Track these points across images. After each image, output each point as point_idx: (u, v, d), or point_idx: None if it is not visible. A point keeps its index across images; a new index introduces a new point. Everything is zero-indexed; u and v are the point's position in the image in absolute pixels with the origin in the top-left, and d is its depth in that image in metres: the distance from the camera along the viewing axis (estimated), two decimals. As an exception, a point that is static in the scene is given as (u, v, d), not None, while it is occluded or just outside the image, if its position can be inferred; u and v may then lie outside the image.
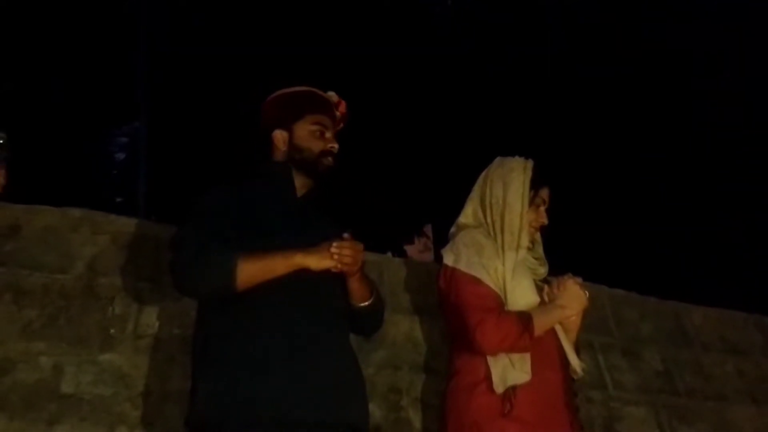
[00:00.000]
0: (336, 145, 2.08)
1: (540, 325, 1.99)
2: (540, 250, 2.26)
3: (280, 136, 2.08)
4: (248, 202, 1.95)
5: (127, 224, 2.34)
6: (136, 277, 2.24)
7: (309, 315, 1.80)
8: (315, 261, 1.81)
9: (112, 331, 2.14)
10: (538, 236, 2.25)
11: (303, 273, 1.81)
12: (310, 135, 2.07)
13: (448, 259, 2.14)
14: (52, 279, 2.15)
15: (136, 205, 7.43)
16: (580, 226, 2.21)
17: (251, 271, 1.76)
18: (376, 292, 2.02)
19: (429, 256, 4.09)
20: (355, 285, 1.94)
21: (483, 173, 2.27)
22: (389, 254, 2.84)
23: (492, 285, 2.04)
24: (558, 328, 2.08)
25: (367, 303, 1.97)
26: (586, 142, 6.19)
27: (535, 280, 2.15)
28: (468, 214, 2.25)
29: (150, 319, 2.20)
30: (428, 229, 4.57)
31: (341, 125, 2.18)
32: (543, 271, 2.21)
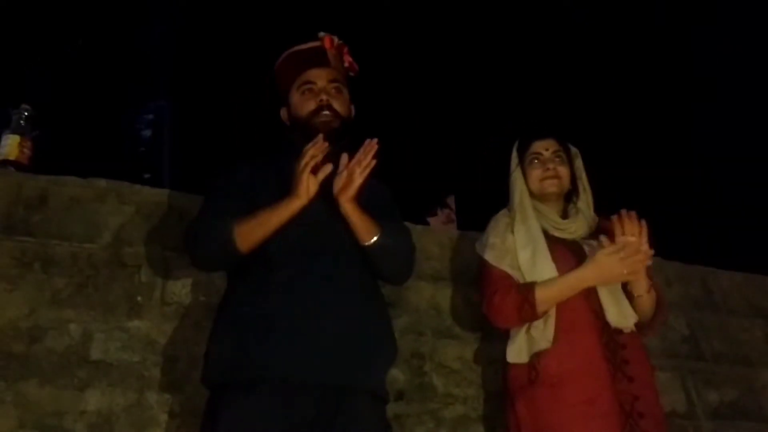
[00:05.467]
0: (325, 97, 1.95)
1: (550, 293, 2.01)
2: (582, 204, 2.24)
3: (284, 113, 2.05)
4: (266, 177, 1.94)
5: (152, 194, 2.37)
6: (162, 246, 2.27)
7: (323, 277, 1.78)
8: (298, 197, 1.75)
9: (139, 298, 2.18)
10: (583, 187, 2.25)
11: (320, 230, 1.81)
12: (300, 100, 1.99)
13: (477, 243, 2.26)
14: (79, 248, 2.19)
15: (163, 181, 7.50)
16: (603, 191, 2.19)
17: (247, 228, 1.77)
18: (388, 231, 1.87)
19: (452, 228, 4.08)
20: (348, 215, 1.81)
21: None
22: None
23: (498, 264, 2.13)
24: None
25: (373, 240, 1.83)
26: (609, 106, 6.13)
27: (566, 239, 2.15)
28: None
29: (176, 286, 2.24)
30: (451, 200, 4.55)
31: (346, 57, 2.06)
32: (574, 228, 2.19)
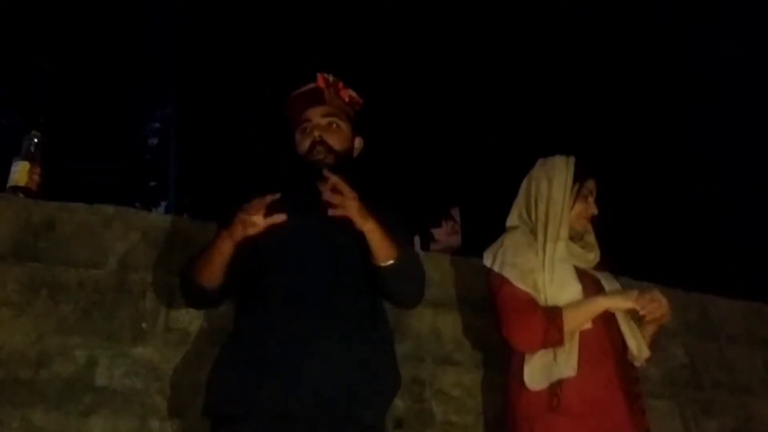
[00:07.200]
0: (317, 133, 2.00)
1: (574, 317, 2.02)
2: (590, 238, 2.29)
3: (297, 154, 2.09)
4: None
5: (157, 220, 2.41)
6: (167, 272, 2.29)
7: (320, 309, 1.81)
8: (229, 236, 1.81)
9: (143, 325, 2.21)
10: (589, 226, 2.29)
11: (319, 258, 1.86)
12: (300, 140, 2.06)
13: (486, 261, 2.22)
14: (86, 274, 2.22)
15: (168, 189, 7.54)
16: (603, 218, 2.23)
17: (199, 266, 1.89)
18: (405, 254, 1.89)
19: (456, 239, 4.10)
20: (369, 233, 1.81)
21: (527, 176, 2.32)
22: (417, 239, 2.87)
23: (520, 284, 2.09)
24: (620, 315, 2.09)
25: (389, 262, 1.83)
26: (609, 134, 6.14)
27: (580, 267, 2.18)
28: (514, 217, 2.31)
29: (180, 313, 2.26)
30: (455, 212, 4.58)
31: (342, 92, 2.10)
32: (592, 257, 2.24)
